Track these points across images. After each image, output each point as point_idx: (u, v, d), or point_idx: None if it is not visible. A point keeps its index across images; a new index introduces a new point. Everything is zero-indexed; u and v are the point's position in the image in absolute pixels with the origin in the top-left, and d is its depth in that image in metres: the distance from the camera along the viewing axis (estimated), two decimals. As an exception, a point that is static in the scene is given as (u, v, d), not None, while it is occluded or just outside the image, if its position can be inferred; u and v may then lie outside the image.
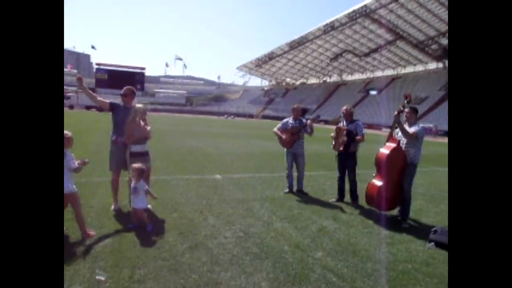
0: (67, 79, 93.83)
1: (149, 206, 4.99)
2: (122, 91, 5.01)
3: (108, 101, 4.99)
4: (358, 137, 5.89)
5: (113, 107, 4.92)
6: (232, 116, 65.10)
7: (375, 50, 66.32)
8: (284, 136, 6.52)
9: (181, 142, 14.98)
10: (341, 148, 5.96)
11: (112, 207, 4.86)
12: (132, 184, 4.31)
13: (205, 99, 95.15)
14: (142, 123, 4.79)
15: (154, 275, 3.08)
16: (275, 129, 6.72)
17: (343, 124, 6.09)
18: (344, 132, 5.91)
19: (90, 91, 4.87)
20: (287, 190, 6.59)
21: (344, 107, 6.22)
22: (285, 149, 6.64)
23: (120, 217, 4.58)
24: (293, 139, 6.46)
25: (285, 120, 6.78)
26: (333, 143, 6.11)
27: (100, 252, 3.50)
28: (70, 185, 3.73)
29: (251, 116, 75.59)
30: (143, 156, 4.80)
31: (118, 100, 5.25)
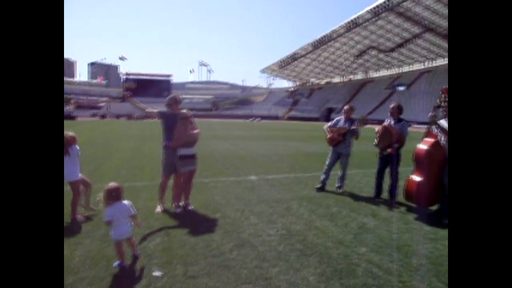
0: (98, 90, 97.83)
1: (191, 207, 5.21)
2: (167, 101, 5.28)
3: (157, 110, 5.27)
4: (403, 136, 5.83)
5: (162, 115, 5.19)
6: (258, 119, 65.38)
7: (401, 45, 64.72)
8: (330, 135, 6.59)
9: (212, 146, 15.30)
10: (389, 150, 5.86)
11: (159, 209, 5.10)
12: (105, 212, 3.36)
13: (231, 103, 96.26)
14: (189, 127, 5.06)
15: (207, 271, 3.24)
16: (325, 127, 6.81)
17: (389, 122, 6.01)
18: (395, 146, 5.82)
19: (140, 104, 5.22)
20: (319, 185, 6.62)
21: (392, 105, 6.15)
22: (331, 147, 6.69)
23: (167, 218, 4.81)
24: (338, 138, 6.49)
25: (337, 118, 6.84)
26: (377, 140, 6.04)
27: (153, 250, 3.71)
28: (78, 173, 4.85)
29: (276, 118, 75.58)
30: (191, 158, 5.08)
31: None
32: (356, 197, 6.22)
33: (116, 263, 3.33)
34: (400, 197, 5.74)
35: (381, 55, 72.41)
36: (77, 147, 4.92)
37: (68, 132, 4.85)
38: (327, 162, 6.70)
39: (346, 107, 6.76)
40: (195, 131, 5.15)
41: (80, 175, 4.90)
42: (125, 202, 3.47)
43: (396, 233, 4.42)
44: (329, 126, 6.72)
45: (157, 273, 3.20)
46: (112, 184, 3.44)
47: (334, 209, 5.43)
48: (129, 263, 3.36)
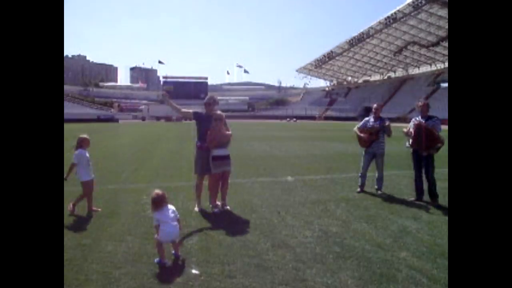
0: (138, 93, 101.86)
1: (228, 207, 5.27)
2: (205, 100, 5.38)
3: (191, 111, 5.39)
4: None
5: (196, 116, 5.31)
6: (294, 119, 64.95)
7: (445, 38, 61.41)
8: (362, 135, 6.45)
9: (249, 146, 15.41)
10: (426, 153, 5.64)
11: (196, 208, 5.22)
12: (155, 217, 3.57)
13: (267, 103, 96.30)
14: (223, 128, 5.13)
15: (243, 271, 3.27)
16: (355, 128, 6.68)
17: (419, 120, 5.79)
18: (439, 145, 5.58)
19: (176, 105, 5.36)
20: (358, 189, 6.50)
21: (420, 102, 5.91)
22: (364, 148, 6.55)
23: (203, 218, 4.91)
24: (371, 138, 6.35)
25: (366, 118, 6.70)
26: (410, 140, 5.84)
27: (191, 249, 3.80)
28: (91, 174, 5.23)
29: (313, 118, 74.69)
30: (224, 159, 5.15)
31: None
32: (396, 199, 6.00)
33: (156, 260, 3.45)
34: (445, 200, 5.47)
35: (422, 50, 69.22)
36: (83, 151, 5.15)
37: (82, 135, 5.25)
38: (361, 165, 6.56)
39: (374, 106, 6.59)
40: (228, 132, 5.21)
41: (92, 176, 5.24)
42: (171, 206, 3.62)
43: (440, 237, 4.20)
44: (359, 128, 6.58)
45: (195, 271, 3.27)
46: (157, 191, 3.58)
47: (373, 211, 5.27)
48: (168, 261, 3.46)
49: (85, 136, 5.25)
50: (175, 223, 3.56)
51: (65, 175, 4.77)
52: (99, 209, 5.16)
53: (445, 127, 5.69)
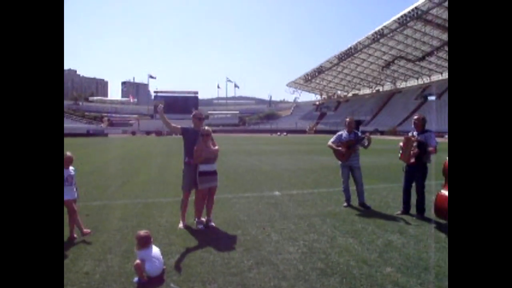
0: (128, 108, 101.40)
1: (212, 223, 5.19)
2: (198, 115, 5.37)
3: (180, 126, 5.35)
4: (430, 149, 5.56)
5: (184, 132, 5.26)
6: (285, 133, 65.16)
7: (431, 53, 62.95)
8: (340, 149, 6.47)
9: (237, 161, 15.35)
10: (412, 160, 5.68)
11: (181, 225, 5.12)
12: (139, 255, 3.51)
13: (258, 117, 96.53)
14: (210, 143, 5.09)
15: (225, 290, 3.19)
16: (330, 143, 6.70)
17: (413, 134, 5.86)
18: (415, 143, 5.66)
19: (167, 119, 5.30)
20: (345, 204, 6.48)
21: (416, 116, 6.00)
22: (340, 163, 6.58)
23: (188, 235, 4.81)
24: (349, 152, 6.39)
25: (339, 133, 6.73)
26: (400, 152, 5.89)
27: (173, 267, 3.70)
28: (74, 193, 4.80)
29: (303, 131, 75.07)
30: (211, 175, 5.09)
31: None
32: (382, 213, 5.98)
33: (135, 279, 3.36)
34: (431, 213, 5.47)
35: (409, 65, 70.73)
36: (70, 169, 4.79)
37: (66, 152, 4.72)
38: (342, 180, 6.59)
39: (347, 120, 6.68)
40: (215, 148, 5.17)
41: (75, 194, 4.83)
42: (155, 249, 3.63)
43: (425, 252, 4.18)
44: (333, 142, 6.63)
45: (175, 291, 3.18)
46: (142, 232, 3.65)
47: (359, 225, 5.24)
48: (147, 279, 3.36)
49: (69, 154, 4.79)
50: (160, 260, 3.56)
51: None
52: (89, 231, 4.79)
53: (440, 140, 5.78)
